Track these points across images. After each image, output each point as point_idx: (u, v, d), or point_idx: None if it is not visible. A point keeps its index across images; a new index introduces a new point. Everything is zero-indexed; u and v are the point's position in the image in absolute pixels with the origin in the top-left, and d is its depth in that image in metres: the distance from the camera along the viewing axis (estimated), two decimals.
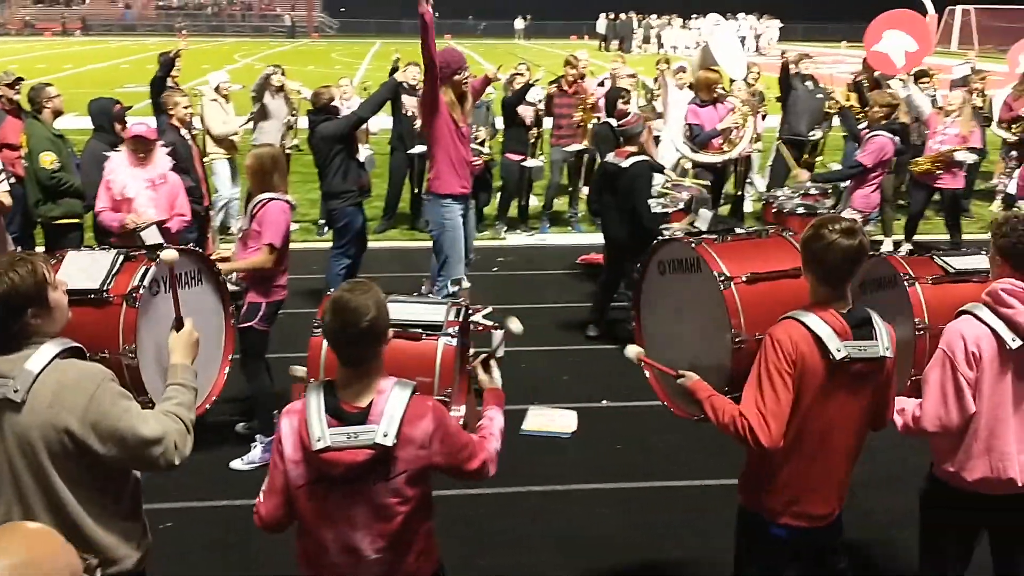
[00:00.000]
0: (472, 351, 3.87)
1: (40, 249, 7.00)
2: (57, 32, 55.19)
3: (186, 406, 2.92)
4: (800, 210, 7.50)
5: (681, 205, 7.46)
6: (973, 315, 3.42)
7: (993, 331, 3.36)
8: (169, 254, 3.38)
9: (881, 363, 3.19)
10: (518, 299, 8.44)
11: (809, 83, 10.79)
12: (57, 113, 7.74)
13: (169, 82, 9.30)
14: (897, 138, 8.11)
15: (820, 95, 10.84)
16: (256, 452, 5.65)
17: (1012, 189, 9.87)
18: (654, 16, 47.59)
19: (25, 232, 8.04)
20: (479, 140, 10.11)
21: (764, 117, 10.48)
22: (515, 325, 3.60)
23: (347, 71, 28.01)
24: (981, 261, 3.85)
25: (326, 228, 10.03)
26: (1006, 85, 12.35)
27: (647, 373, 3.96)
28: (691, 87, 10.37)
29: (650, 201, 7.11)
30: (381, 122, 10.72)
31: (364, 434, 2.72)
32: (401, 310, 3.50)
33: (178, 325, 3.20)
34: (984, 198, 12.70)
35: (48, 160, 7.28)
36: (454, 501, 4.81)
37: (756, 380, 3.15)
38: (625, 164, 7.18)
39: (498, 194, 11.21)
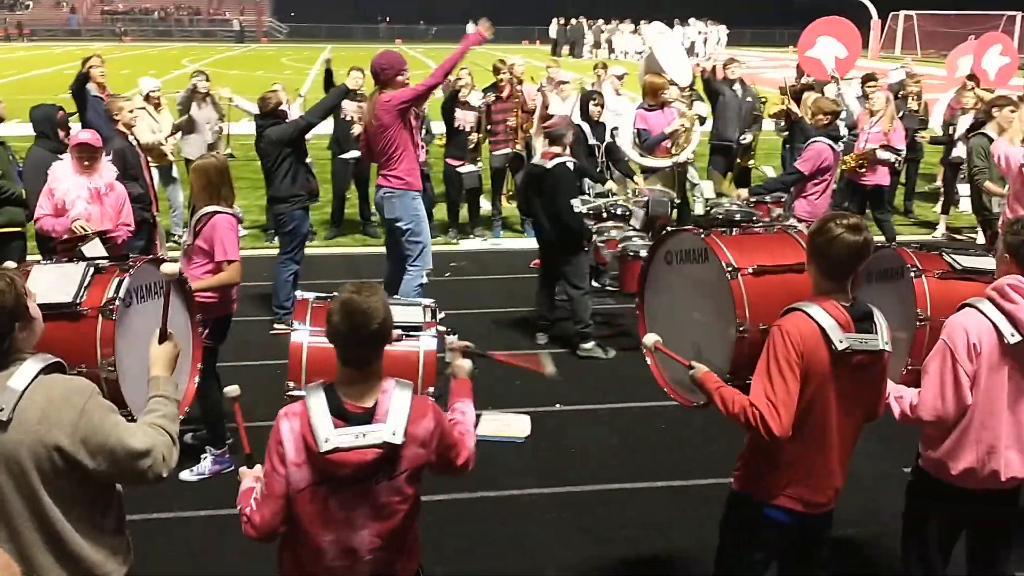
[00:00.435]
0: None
1: None
2: (1, 37, 54.04)
3: (170, 418, 2.89)
4: (737, 216, 7.52)
5: (603, 209, 7.75)
6: (976, 308, 3.51)
7: (994, 325, 3.45)
8: (170, 267, 3.31)
9: (879, 356, 3.30)
10: (471, 304, 8.46)
11: (737, 86, 10.99)
12: None
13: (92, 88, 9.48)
14: (839, 144, 8.26)
15: (749, 98, 11.05)
16: (206, 464, 5.59)
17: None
18: (601, 21, 47.89)
19: None
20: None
21: (703, 122, 10.66)
22: (550, 367, 3.87)
23: (297, 76, 27.83)
24: (988, 262, 3.95)
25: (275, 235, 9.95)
26: (947, 89, 12.66)
27: (648, 360, 4.07)
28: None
29: (572, 201, 7.25)
30: (318, 127, 10.62)
31: (372, 433, 2.75)
32: None
33: (162, 337, 3.14)
34: (928, 199, 12.98)
35: None
36: None
37: (765, 370, 3.23)
38: (549, 166, 7.29)
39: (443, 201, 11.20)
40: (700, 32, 45.89)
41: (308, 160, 8.62)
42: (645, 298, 4.34)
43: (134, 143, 7.63)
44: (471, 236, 11.14)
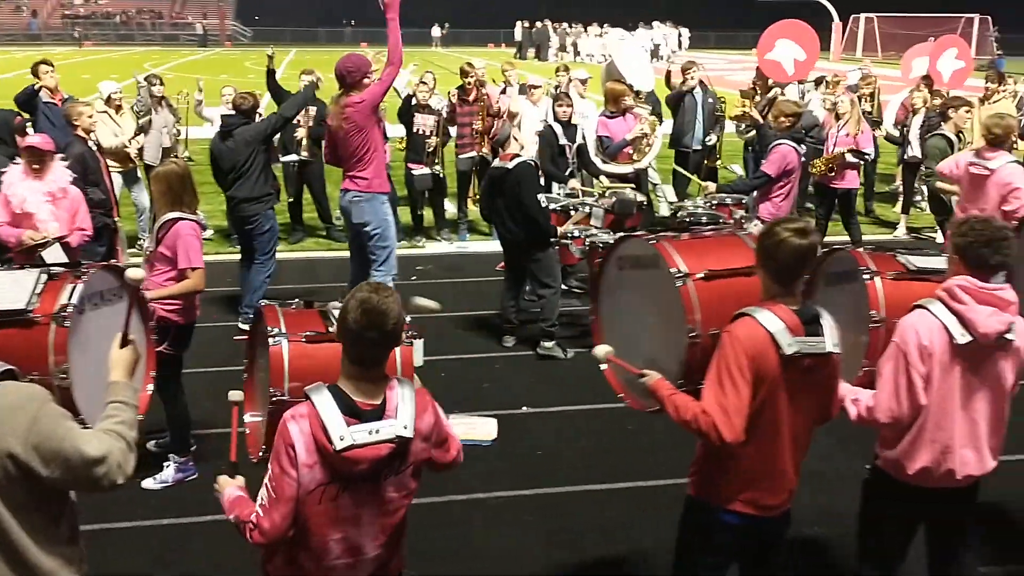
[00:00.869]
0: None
1: None
2: None
3: (127, 424, 2.84)
4: (704, 219, 7.56)
5: (570, 208, 7.85)
6: (926, 309, 3.53)
7: (944, 326, 3.47)
8: (135, 273, 3.27)
9: (827, 358, 3.32)
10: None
11: (697, 90, 11.08)
12: None
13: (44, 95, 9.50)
14: (802, 147, 8.33)
15: (710, 99, 11.13)
16: (169, 472, 5.53)
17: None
18: (567, 24, 48.05)
19: None
20: None
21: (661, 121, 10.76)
22: (424, 301, 3.74)
23: (261, 79, 27.57)
24: (941, 262, 3.96)
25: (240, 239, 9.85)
26: (902, 90, 12.85)
27: (602, 367, 4.04)
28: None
29: (539, 197, 7.32)
30: None
31: (386, 428, 2.78)
32: None
33: (124, 341, 3.09)
34: (887, 200, 13.14)
35: None
36: None
37: (716, 377, 3.24)
38: (511, 166, 7.34)
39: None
40: (665, 35, 46.21)
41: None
42: (600, 304, 4.34)
43: (94, 148, 7.54)
44: (437, 239, 11.12)
